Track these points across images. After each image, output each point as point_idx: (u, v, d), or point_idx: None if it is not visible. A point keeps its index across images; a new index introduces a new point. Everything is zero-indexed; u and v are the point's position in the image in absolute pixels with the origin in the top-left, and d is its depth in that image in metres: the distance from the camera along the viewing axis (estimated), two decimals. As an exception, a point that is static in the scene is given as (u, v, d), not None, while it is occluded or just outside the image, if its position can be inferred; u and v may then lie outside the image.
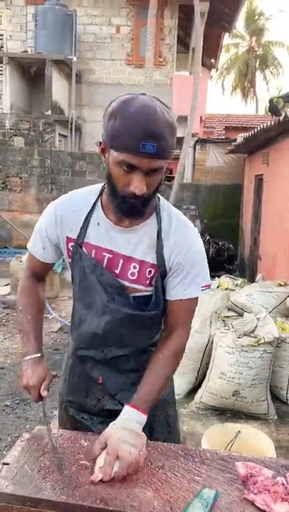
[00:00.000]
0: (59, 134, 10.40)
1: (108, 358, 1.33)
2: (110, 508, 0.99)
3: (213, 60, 14.40)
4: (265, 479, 1.08)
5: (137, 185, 1.09)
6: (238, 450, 1.91)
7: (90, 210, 1.27)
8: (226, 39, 15.70)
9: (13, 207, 9.55)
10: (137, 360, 1.33)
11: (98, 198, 1.28)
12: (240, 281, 4.48)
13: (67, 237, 1.30)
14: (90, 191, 1.31)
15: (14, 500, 1.03)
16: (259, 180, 7.34)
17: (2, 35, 11.08)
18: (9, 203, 9.60)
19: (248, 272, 7.98)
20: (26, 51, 10.80)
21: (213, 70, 16.03)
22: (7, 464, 1.14)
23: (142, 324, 1.30)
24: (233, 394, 3.04)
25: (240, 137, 7.38)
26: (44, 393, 1.29)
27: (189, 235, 1.28)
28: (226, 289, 4.19)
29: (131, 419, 1.16)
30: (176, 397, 3.11)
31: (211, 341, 3.34)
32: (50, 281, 6.08)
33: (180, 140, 9.00)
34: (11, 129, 9.70)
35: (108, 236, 1.25)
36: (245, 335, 3.17)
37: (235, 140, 8.55)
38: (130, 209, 1.15)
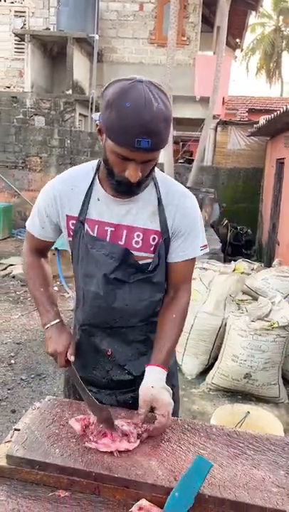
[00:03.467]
0: (79, 114, 10.35)
1: (115, 330, 1.36)
2: (115, 475, 1.02)
3: (238, 40, 14.01)
4: (98, 426, 1.17)
5: (132, 175, 1.14)
6: (246, 430, 1.93)
7: (89, 186, 1.30)
8: (252, 18, 15.25)
9: (33, 186, 9.61)
10: (142, 331, 1.37)
11: (95, 174, 1.30)
12: (256, 265, 4.45)
13: (67, 215, 1.32)
14: (87, 168, 1.33)
15: (24, 464, 1.07)
16: (280, 164, 7.20)
17: (24, 12, 10.98)
18: (29, 182, 9.66)
19: (265, 257, 7.90)
20: (48, 29, 10.71)
21: (238, 51, 15.59)
22: (18, 429, 1.19)
23: (146, 292, 1.33)
24: (245, 376, 3.06)
25: (262, 119, 7.21)
26: (72, 358, 1.32)
27: (186, 199, 1.33)
28: (242, 273, 4.18)
29: (162, 379, 1.24)
30: (188, 377, 3.14)
31: (224, 324, 3.35)
32: (67, 261, 6.13)
33: (201, 122, 8.87)
34: (31, 108, 9.68)
35: (109, 210, 1.28)
36: (259, 319, 3.16)
37: (257, 122, 8.37)
38: (126, 191, 1.22)
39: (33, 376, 3.59)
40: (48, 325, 1.37)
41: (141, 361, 1.35)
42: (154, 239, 1.30)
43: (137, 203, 1.28)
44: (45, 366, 3.74)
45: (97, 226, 1.29)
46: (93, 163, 1.34)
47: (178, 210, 1.30)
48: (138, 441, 1.14)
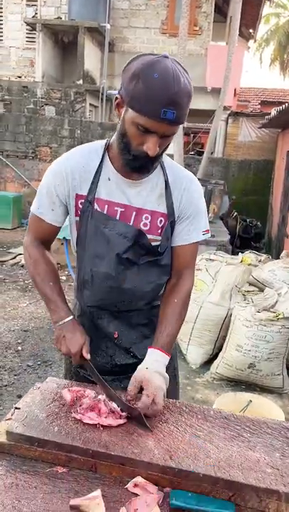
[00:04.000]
0: (90, 104, 10.33)
1: (121, 313, 1.37)
2: (112, 453, 1.04)
3: (251, 31, 13.79)
4: (89, 399, 1.20)
5: (151, 148, 1.14)
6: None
7: (99, 165, 1.28)
8: (267, 8, 15.01)
9: (43, 177, 9.64)
10: (147, 314, 1.39)
11: (105, 152, 1.30)
12: (263, 257, 4.43)
13: (76, 194, 1.30)
14: (96, 146, 1.32)
15: (23, 440, 1.09)
16: (291, 157, 7.13)
17: (36, 1, 10.94)
18: (39, 172, 9.69)
19: (274, 250, 7.86)
20: (60, 18, 10.66)
21: (251, 41, 15.38)
22: (18, 408, 1.21)
23: (154, 274, 1.34)
24: (249, 366, 3.06)
25: (274, 111, 7.13)
26: (88, 356, 1.28)
27: (192, 184, 1.35)
28: (249, 264, 4.16)
29: (160, 361, 1.25)
30: (193, 367, 3.15)
31: (229, 314, 3.35)
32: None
33: (212, 113, 8.79)
34: (42, 98, 9.69)
35: (119, 190, 1.28)
36: (265, 310, 3.16)
37: (269, 114, 8.27)
38: (141, 166, 1.21)
39: (39, 363, 3.63)
40: (60, 322, 1.31)
41: (144, 344, 1.37)
42: (160, 221, 1.31)
43: (146, 185, 1.29)
44: (51, 353, 3.79)
45: (107, 206, 1.28)
46: (101, 143, 1.32)
47: (184, 194, 1.32)
48: (124, 419, 1.16)
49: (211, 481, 0.99)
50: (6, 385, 3.25)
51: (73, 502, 0.94)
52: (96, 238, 1.29)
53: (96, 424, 1.13)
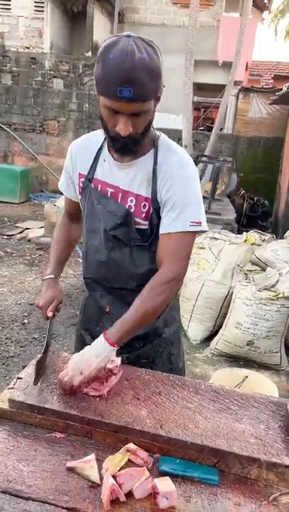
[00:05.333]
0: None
1: (114, 289, 1.44)
2: (106, 421, 1.12)
3: (266, 1, 13.36)
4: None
5: (122, 128, 1.17)
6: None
7: (100, 148, 1.37)
8: (283, -24, 14.44)
9: (50, 151, 9.61)
10: None
11: (106, 137, 1.34)
12: (267, 236, 4.45)
13: (79, 173, 1.41)
14: (101, 132, 1.35)
15: (24, 408, 1.17)
16: (301, 134, 7.03)
17: None
18: (46, 146, 9.65)
19: (281, 229, 7.83)
20: (69, -14, 10.39)
21: (266, 13, 14.90)
22: (20, 378, 1.29)
23: (146, 258, 1.37)
24: (248, 343, 3.14)
25: (285, 87, 6.99)
26: (50, 314, 1.42)
27: (183, 171, 1.29)
28: (253, 243, 4.19)
29: (97, 347, 1.21)
30: (193, 343, 3.20)
31: (230, 293, 3.41)
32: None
33: (223, 88, 8.63)
34: (50, 71, 9.55)
35: (111, 172, 1.34)
36: (266, 289, 3.21)
37: (281, 89, 8.11)
38: (121, 147, 1.24)
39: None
40: (44, 278, 1.50)
41: None
42: (144, 206, 1.31)
43: (134, 167, 1.32)
44: (56, 326, 3.88)
45: (100, 186, 1.36)
46: None
47: (171, 181, 1.27)
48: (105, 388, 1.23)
49: (197, 449, 1.06)
50: (12, 356, 3.37)
51: (69, 464, 1.03)
52: (92, 214, 1.38)
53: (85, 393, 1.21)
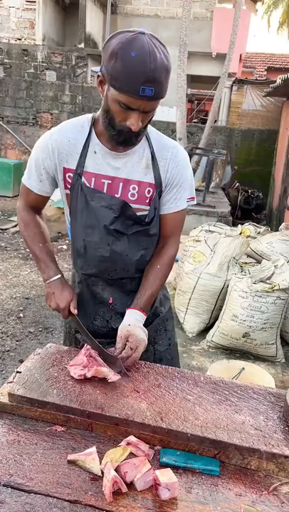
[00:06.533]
0: (91, 70, 10.09)
1: (115, 280, 1.44)
2: (107, 414, 1.12)
3: (259, -8, 13.30)
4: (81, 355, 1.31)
5: (134, 123, 1.19)
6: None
7: (86, 139, 1.33)
8: None
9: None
10: (139, 282, 1.45)
11: (91, 127, 1.33)
12: (262, 229, 4.46)
13: (64, 167, 1.36)
14: (82, 121, 1.36)
15: (24, 402, 1.17)
16: (295, 127, 7.03)
17: None
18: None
19: (275, 222, 7.86)
20: (61, -23, 10.28)
21: (259, 4, 14.82)
22: (20, 372, 1.28)
23: (144, 243, 1.40)
24: (243, 335, 3.15)
25: (279, 79, 6.98)
26: (75, 311, 1.42)
27: (178, 152, 1.39)
28: (248, 236, 4.20)
29: (139, 320, 1.35)
30: (189, 335, 3.24)
31: (226, 285, 3.41)
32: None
33: (217, 80, 8.60)
34: (42, 62, 9.46)
35: (106, 163, 1.33)
36: (261, 281, 3.22)
37: (274, 82, 8.09)
38: (125, 140, 1.26)
39: (40, 329, 3.74)
40: (50, 280, 1.44)
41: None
42: (148, 191, 1.35)
43: (132, 156, 1.33)
44: (52, 320, 3.88)
45: (93, 179, 1.34)
46: (87, 117, 1.36)
47: (171, 164, 1.36)
48: (116, 376, 1.24)
49: (198, 441, 1.07)
50: (8, 350, 3.36)
51: (71, 457, 1.03)
52: (87, 210, 1.36)
53: (83, 379, 1.23)
